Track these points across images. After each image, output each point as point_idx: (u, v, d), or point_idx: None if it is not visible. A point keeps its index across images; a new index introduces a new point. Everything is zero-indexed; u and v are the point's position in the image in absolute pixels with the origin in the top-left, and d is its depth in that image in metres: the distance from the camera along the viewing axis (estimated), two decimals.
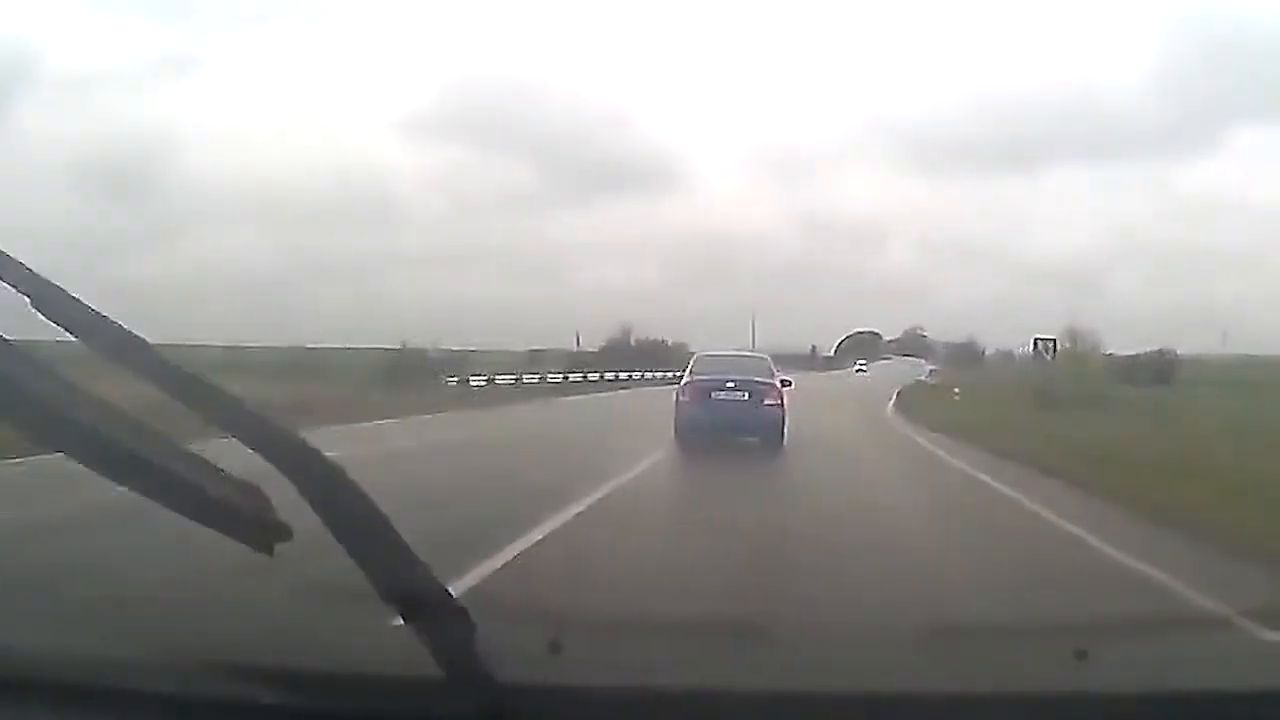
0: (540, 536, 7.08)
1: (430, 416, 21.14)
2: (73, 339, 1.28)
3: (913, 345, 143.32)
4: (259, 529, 1.29)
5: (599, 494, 9.49)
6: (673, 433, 14.95)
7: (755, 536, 7.31)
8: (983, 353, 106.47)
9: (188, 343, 19.39)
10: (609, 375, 45.42)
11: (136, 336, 1.31)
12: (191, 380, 1.31)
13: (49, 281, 1.27)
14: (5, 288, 1.25)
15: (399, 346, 38.53)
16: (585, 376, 43.41)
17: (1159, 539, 7.96)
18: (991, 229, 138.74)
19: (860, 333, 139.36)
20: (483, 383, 35.39)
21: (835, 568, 6.27)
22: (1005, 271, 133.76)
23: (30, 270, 1.26)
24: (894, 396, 35.77)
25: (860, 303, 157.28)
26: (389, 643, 1.75)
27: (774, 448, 14.29)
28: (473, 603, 1.55)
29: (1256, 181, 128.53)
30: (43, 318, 1.25)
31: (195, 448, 1.32)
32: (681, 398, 15.14)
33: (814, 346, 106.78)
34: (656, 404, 18.42)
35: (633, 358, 53.00)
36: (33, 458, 8.06)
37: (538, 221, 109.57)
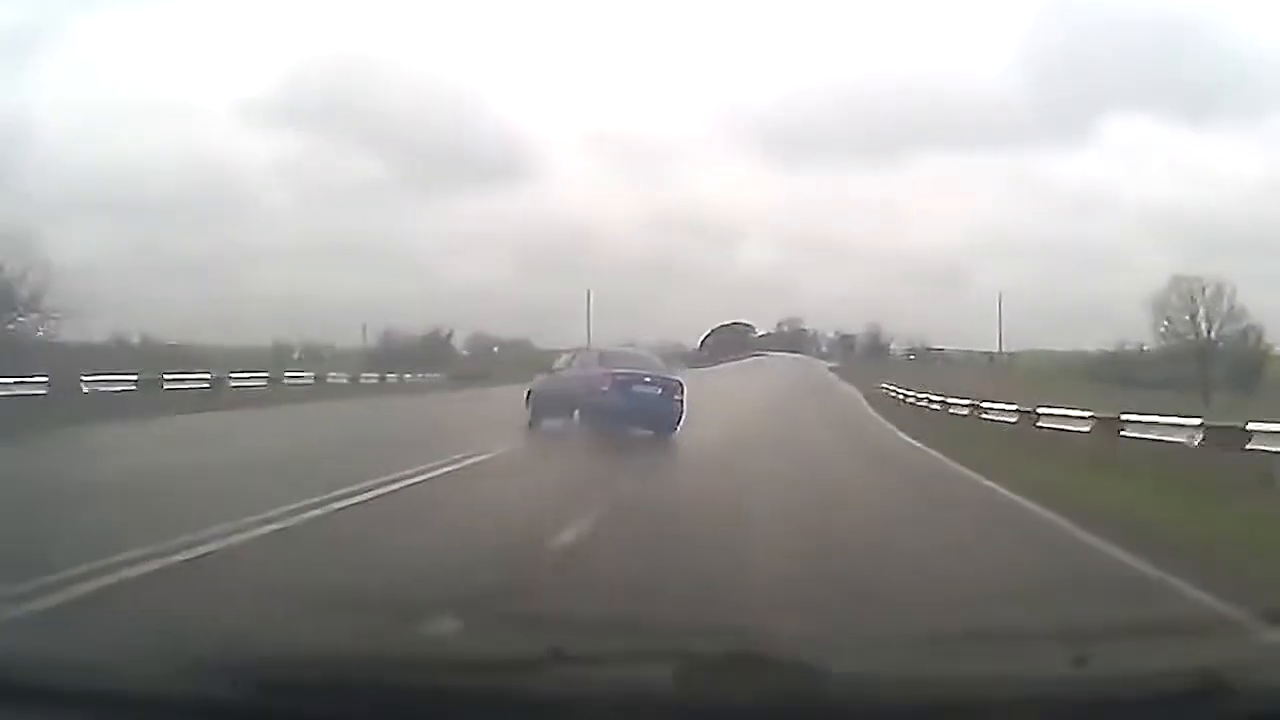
0: None
1: None
2: None
3: (791, 340, 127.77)
4: None
5: None
6: None
7: None
8: (888, 347, 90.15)
9: None
10: (409, 376, 41.55)
11: None
12: None
13: None
14: None
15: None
16: (383, 377, 39.51)
17: None
18: (864, 221, 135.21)
19: (728, 325, 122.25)
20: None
21: None
22: (878, 265, 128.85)
23: None
24: None
25: (731, 297, 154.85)
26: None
27: None
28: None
29: (1129, 174, 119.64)
30: None
31: None
32: None
33: (679, 343, 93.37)
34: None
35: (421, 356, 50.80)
36: None
37: (387, 213, 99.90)
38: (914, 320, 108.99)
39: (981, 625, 3.89)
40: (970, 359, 71.46)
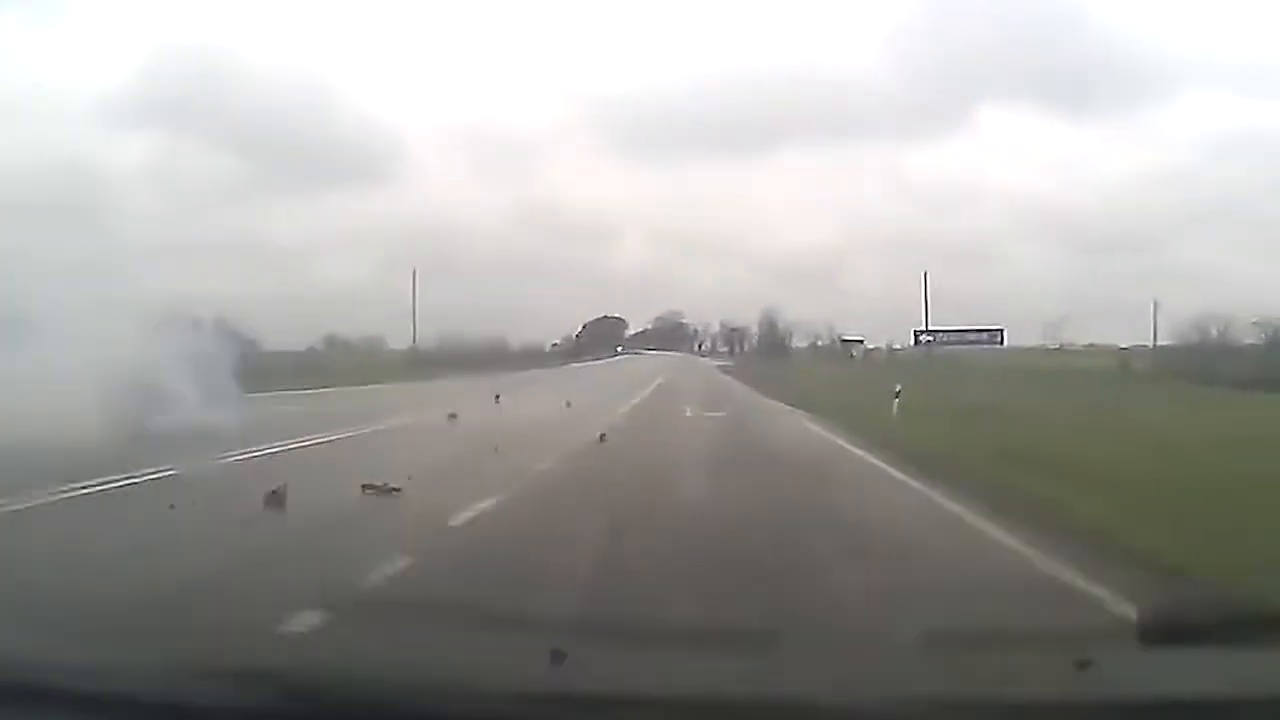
0: None
1: None
2: None
3: (670, 335, 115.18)
4: None
5: None
6: None
7: None
8: (788, 339, 77.45)
9: None
10: None
11: None
12: None
13: None
14: None
15: None
16: None
17: None
18: (738, 215, 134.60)
19: (598, 321, 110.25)
20: None
21: None
22: (755, 259, 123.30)
23: None
24: None
25: (604, 294, 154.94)
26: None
27: None
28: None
29: (1003, 165, 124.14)
30: None
31: None
32: None
33: (555, 343, 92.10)
34: None
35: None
36: None
37: (247, 212, 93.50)
38: (801, 311, 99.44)
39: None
40: (980, 352, 52.67)
